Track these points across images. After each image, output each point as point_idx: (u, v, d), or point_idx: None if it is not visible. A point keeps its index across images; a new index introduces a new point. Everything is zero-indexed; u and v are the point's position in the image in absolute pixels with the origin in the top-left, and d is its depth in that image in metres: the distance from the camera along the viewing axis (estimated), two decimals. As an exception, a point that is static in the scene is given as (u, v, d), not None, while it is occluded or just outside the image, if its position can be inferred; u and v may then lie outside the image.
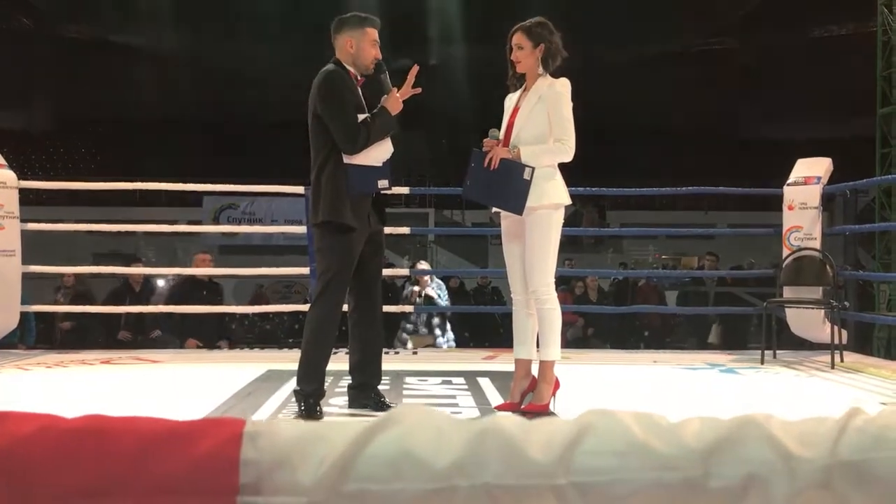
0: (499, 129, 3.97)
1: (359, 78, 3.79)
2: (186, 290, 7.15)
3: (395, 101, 3.74)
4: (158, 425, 0.53)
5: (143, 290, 7.43)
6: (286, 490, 0.51)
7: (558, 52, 3.87)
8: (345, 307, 3.95)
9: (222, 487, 0.51)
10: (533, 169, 3.76)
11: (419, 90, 3.86)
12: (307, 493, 0.51)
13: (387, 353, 5.76)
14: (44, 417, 0.52)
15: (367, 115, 3.69)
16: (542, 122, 3.82)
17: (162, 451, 0.51)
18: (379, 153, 3.73)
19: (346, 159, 3.66)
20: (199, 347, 6.85)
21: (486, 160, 3.82)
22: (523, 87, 3.94)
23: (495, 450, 0.51)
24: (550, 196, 3.83)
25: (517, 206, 3.78)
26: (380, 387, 3.97)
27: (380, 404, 3.86)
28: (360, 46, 3.74)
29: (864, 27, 12.69)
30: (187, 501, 0.51)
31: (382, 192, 3.79)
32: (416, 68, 3.86)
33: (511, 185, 3.79)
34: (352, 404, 3.94)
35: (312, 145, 3.75)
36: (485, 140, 3.91)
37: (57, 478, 0.49)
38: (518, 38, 3.86)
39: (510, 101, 4.01)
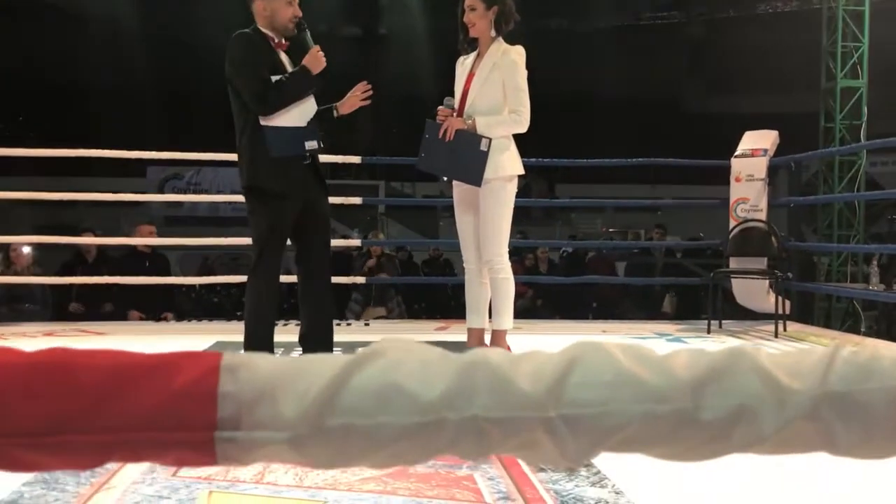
0: (452, 96, 3.94)
1: (283, 41, 3.70)
2: (128, 261, 7.00)
3: (314, 58, 3.61)
4: (129, 359, 0.50)
5: (97, 261, 7.22)
6: (267, 424, 0.49)
7: (511, 16, 3.84)
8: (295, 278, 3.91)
9: (199, 422, 0.49)
10: (490, 140, 3.74)
11: (367, 102, 3.83)
12: (289, 427, 0.49)
13: (338, 324, 5.74)
14: (6, 351, 0.49)
15: (282, 75, 3.59)
16: (497, 91, 3.80)
17: (134, 385, 0.48)
18: (300, 113, 3.62)
19: (263, 121, 3.56)
20: (142, 319, 6.73)
21: (442, 131, 3.79)
22: (476, 51, 3.91)
23: (484, 382, 0.50)
24: (505, 167, 3.82)
25: (475, 178, 3.77)
26: (331, 357, 3.93)
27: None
28: (273, 8, 3.62)
29: (809, 3, 12.90)
30: (162, 436, 0.48)
31: (310, 152, 3.66)
32: (361, 86, 3.83)
33: (468, 157, 3.76)
34: (304, 374, 3.89)
35: (234, 112, 3.68)
36: (439, 109, 3.88)
37: (19, 412, 0.46)
38: (471, 0, 3.82)
39: (462, 65, 3.97)
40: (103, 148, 6.25)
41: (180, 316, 7.34)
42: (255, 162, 3.60)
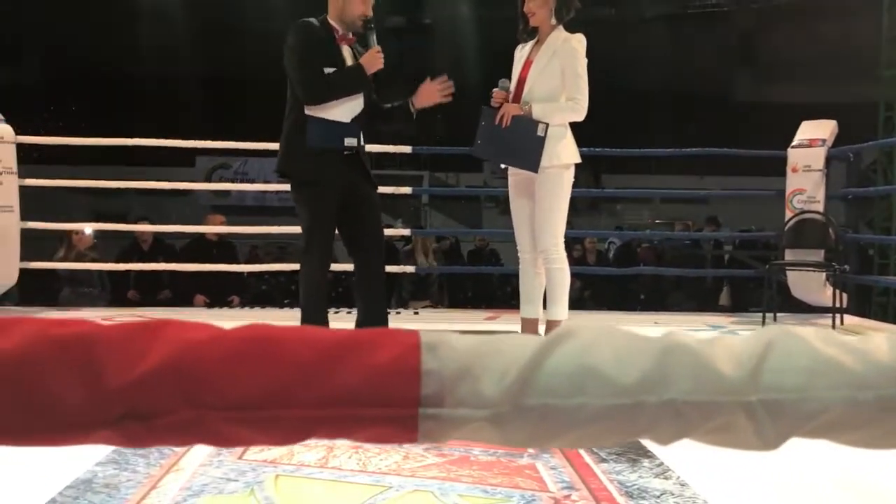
0: (509, 79, 3.91)
1: (349, 36, 3.72)
2: (195, 248, 7.22)
3: (372, 58, 3.63)
4: (331, 334, 0.51)
5: (152, 250, 7.39)
6: (469, 402, 0.49)
7: (572, 3, 3.80)
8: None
9: (403, 398, 0.49)
10: (547, 125, 3.71)
11: (448, 98, 3.76)
12: (490, 405, 0.49)
13: (387, 313, 5.76)
14: (208, 326, 0.50)
15: (336, 69, 3.61)
16: (555, 78, 3.77)
17: (338, 361, 0.48)
18: (345, 109, 3.64)
19: (308, 111, 3.60)
20: (207, 304, 6.90)
21: (498, 117, 3.77)
22: (536, 39, 3.88)
23: (683, 366, 0.49)
24: (561, 156, 3.79)
25: (532, 164, 3.74)
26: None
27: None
28: (347, 1, 3.65)
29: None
30: (366, 412, 0.48)
31: (349, 149, 3.65)
32: (441, 80, 3.75)
33: (525, 143, 3.73)
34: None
35: (287, 97, 3.72)
36: (494, 91, 3.86)
37: (230, 385, 0.47)
38: None
39: (520, 52, 3.94)
40: (153, 137, 6.37)
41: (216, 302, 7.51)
42: (290, 148, 3.66)
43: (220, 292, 7.14)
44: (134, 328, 0.48)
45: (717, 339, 0.53)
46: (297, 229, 6.43)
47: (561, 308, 3.91)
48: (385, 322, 3.93)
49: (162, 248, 7.60)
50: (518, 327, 4.06)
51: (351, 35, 3.72)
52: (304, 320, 3.75)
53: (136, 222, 7.76)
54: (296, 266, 7.05)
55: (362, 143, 3.74)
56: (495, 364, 0.50)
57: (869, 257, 8.48)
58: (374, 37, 3.69)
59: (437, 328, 3.75)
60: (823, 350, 0.50)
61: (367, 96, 3.74)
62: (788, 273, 6.03)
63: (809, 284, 5.98)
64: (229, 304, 7.03)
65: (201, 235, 7.38)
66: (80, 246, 7.03)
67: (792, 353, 0.50)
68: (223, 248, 7.40)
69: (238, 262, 7.67)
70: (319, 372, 0.48)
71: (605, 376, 0.49)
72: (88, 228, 7.20)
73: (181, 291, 7.19)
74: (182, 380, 0.47)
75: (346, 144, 3.64)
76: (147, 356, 0.46)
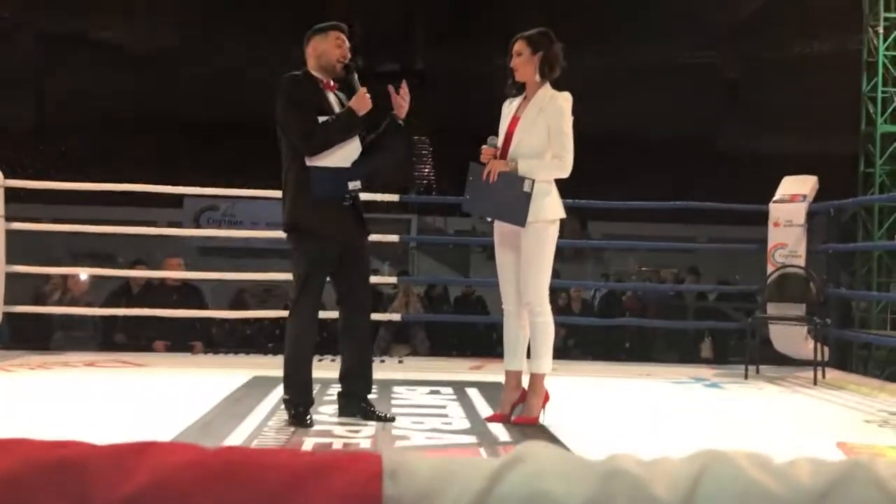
0: (494, 134, 3.97)
1: (331, 83, 3.80)
2: (156, 293, 7.06)
3: (361, 100, 3.71)
4: (299, 459, 0.53)
5: (143, 293, 7.30)
6: None
7: (556, 61, 3.88)
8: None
9: None
10: (533, 181, 3.77)
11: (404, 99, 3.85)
12: None
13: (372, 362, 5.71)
14: (188, 449, 0.52)
15: (328, 116, 3.68)
16: (541, 135, 3.83)
17: (304, 487, 0.51)
18: (345, 154, 3.70)
19: (309, 161, 3.65)
20: (167, 349, 6.74)
21: (485, 173, 3.82)
22: (523, 95, 3.95)
23: (624, 489, 0.52)
24: (546, 211, 3.84)
25: (519, 219, 3.79)
26: (369, 396, 3.96)
27: (368, 413, 3.84)
28: (324, 48, 3.76)
29: (847, 46, 12.87)
30: None
31: (353, 192, 3.73)
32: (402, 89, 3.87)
33: (512, 198, 3.79)
34: (341, 413, 3.92)
35: (281, 150, 3.77)
36: (483, 148, 3.92)
37: None
38: (518, 46, 3.88)
39: (508, 107, 4.01)
40: (140, 176, 6.43)
41: (211, 346, 7.38)
42: (298, 202, 3.69)
43: (181, 337, 6.87)
44: (121, 450, 0.51)
45: (655, 461, 0.56)
46: (272, 275, 6.45)
47: (544, 362, 3.93)
48: (370, 372, 3.95)
49: (153, 290, 7.49)
50: (502, 378, 4.07)
51: (333, 83, 3.80)
52: (289, 376, 3.75)
53: (132, 266, 7.71)
54: (271, 312, 7.07)
55: (363, 185, 3.79)
56: (451, 489, 0.52)
57: (850, 311, 8.56)
58: (356, 78, 3.77)
59: (418, 378, 3.75)
60: (752, 475, 0.53)
61: (362, 139, 3.81)
62: (771, 326, 6.08)
63: (791, 337, 6.03)
64: (191, 350, 6.73)
65: (161, 280, 7.26)
66: (74, 290, 7.01)
67: (723, 477, 0.53)
68: (185, 293, 7.18)
69: (203, 307, 7.32)
70: (287, 498, 0.51)
71: (553, 500, 0.51)
72: (84, 274, 7.21)
73: (139, 336, 7.03)
74: (164, 501, 0.49)
75: (350, 188, 3.70)
76: (132, 478, 0.48)
